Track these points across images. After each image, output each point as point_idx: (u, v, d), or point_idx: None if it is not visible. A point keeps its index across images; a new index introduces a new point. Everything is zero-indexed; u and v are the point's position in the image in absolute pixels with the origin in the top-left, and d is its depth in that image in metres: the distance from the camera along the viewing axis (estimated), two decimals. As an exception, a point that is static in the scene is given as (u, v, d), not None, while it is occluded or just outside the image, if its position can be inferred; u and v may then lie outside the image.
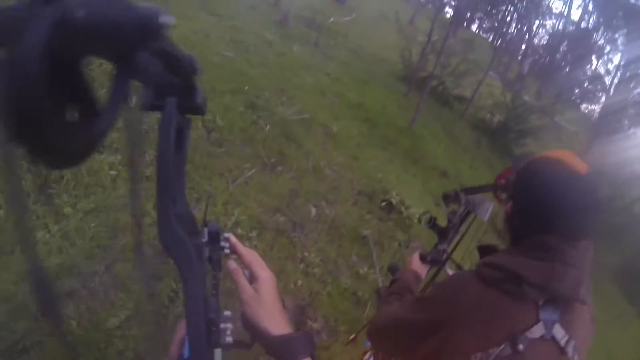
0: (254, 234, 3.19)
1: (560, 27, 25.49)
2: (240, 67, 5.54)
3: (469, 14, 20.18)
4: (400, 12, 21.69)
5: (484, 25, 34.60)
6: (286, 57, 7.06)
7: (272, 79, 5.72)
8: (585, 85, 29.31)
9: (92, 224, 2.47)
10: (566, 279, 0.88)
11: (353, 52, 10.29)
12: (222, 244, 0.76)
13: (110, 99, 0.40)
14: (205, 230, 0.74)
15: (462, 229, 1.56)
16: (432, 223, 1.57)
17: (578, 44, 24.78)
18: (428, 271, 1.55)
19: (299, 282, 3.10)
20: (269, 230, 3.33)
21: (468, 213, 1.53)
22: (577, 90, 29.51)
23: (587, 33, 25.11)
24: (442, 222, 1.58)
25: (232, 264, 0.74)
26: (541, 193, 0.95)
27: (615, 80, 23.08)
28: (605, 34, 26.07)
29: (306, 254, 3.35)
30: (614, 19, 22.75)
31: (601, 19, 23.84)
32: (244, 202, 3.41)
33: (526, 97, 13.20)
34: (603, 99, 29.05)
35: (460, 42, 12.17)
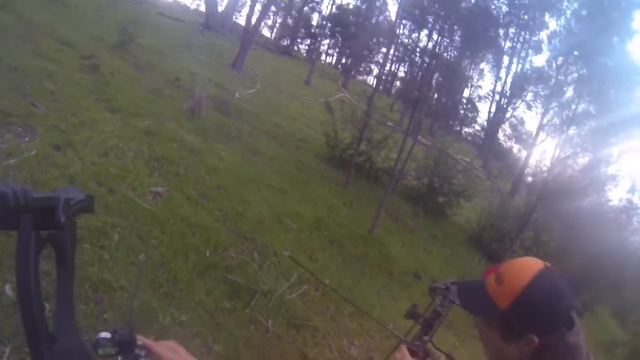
0: None
1: (432, 62, 27.77)
2: (182, 211, 4.43)
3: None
4: (293, 71, 21.94)
5: (361, 69, 36.70)
6: (221, 172, 6.07)
7: (226, 223, 4.76)
8: (461, 112, 32.44)
9: None
10: None
11: (273, 137, 9.70)
12: (137, 351, 0.71)
13: None
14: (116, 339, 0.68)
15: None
16: (413, 313, 1.48)
17: (450, 76, 27.27)
18: None
19: None
20: None
21: (450, 302, 1.49)
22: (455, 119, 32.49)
23: (457, 65, 27.75)
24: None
25: None
26: (553, 303, 0.91)
27: (494, 105, 25.85)
28: (472, 64, 29.20)
29: None
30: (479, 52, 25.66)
31: (468, 52, 26.64)
32: None
33: (425, 141, 13.55)
34: (480, 121, 32.39)
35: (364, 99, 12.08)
